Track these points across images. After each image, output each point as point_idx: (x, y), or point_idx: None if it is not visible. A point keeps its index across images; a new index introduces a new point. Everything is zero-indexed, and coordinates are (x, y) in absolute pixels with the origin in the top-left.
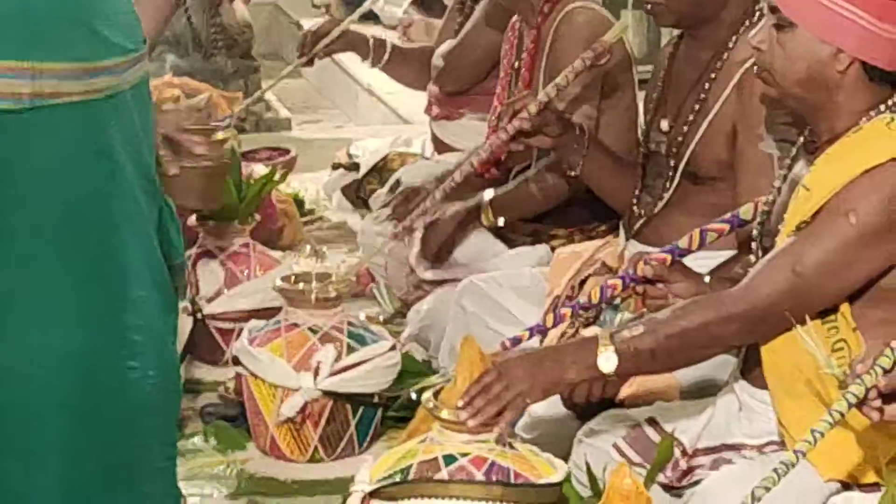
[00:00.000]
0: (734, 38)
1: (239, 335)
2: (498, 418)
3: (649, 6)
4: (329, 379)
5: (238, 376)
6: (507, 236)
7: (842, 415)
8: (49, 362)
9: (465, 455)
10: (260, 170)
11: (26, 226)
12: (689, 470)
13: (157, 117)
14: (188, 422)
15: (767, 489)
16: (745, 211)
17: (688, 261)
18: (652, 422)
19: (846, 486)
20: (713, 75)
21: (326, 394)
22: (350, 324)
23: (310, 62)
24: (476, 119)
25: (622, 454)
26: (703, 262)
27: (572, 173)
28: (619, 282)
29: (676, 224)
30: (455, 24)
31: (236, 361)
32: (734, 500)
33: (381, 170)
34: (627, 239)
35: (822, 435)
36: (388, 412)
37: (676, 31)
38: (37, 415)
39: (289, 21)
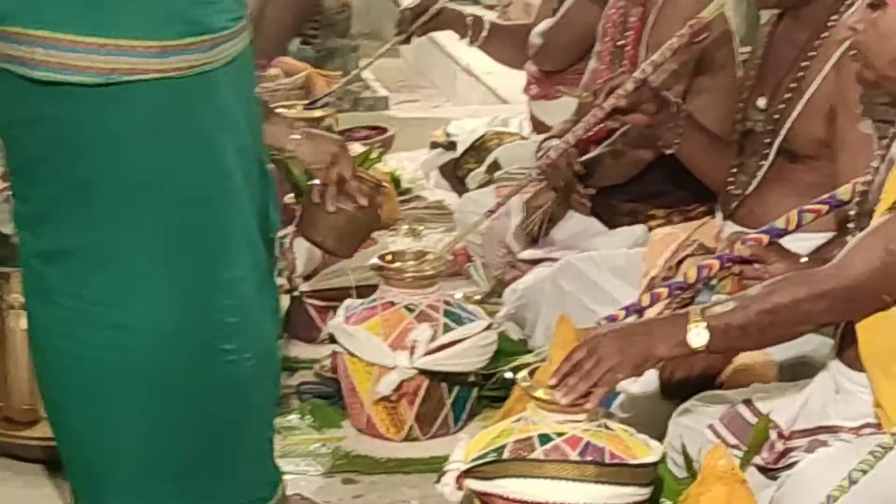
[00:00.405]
0: (833, 17)
1: (335, 313)
2: (589, 395)
3: None
4: (424, 357)
5: (334, 354)
6: (605, 216)
7: None
8: (140, 333)
9: (559, 435)
10: (357, 148)
11: (109, 199)
12: (785, 452)
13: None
14: (284, 400)
15: (864, 472)
16: (843, 192)
17: (785, 242)
18: (748, 403)
19: None
20: (811, 54)
21: (422, 372)
22: (446, 302)
23: (407, 40)
24: (574, 98)
25: (717, 435)
26: (800, 243)
27: (668, 151)
28: (715, 262)
29: (772, 204)
30: (553, 3)
31: (332, 339)
32: (830, 483)
33: (479, 149)
34: (724, 220)
35: None
36: (483, 391)
37: (776, 11)
38: (123, 382)
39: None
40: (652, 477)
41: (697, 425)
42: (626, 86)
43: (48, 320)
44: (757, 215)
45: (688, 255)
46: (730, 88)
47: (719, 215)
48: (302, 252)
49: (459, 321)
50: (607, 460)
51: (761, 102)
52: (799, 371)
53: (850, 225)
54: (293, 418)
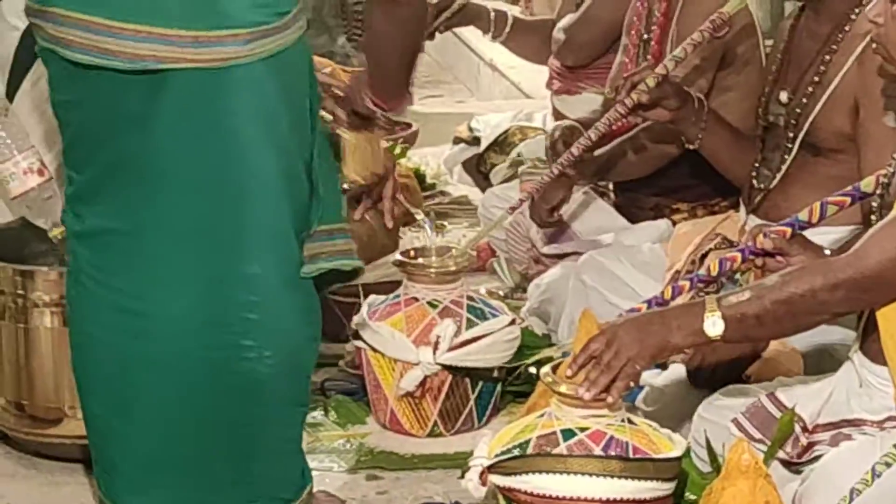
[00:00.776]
0: (856, 10)
1: (359, 309)
2: (611, 388)
3: None
4: (448, 353)
5: (358, 350)
6: (629, 210)
7: None
8: (158, 321)
9: (583, 430)
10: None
11: (135, 185)
12: (810, 446)
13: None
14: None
15: (888, 465)
16: (867, 184)
17: (809, 234)
18: (771, 396)
19: None
20: (834, 47)
21: (446, 368)
22: (470, 298)
23: (431, 35)
24: (597, 93)
25: (741, 429)
26: (824, 236)
27: (691, 146)
28: (738, 255)
29: (795, 198)
30: None
31: (356, 335)
32: (854, 477)
33: (503, 144)
34: (747, 214)
35: None
36: (507, 387)
37: (798, 4)
38: (138, 368)
39: None
40: (676, 471)
41: (721, 419)
42: (648, 81)
43: (76, 300)
44: (781, 209)
45: (711, 249)
46: (755, 84)
47: (743, 209)
48: None
49: (483, 317)
50: (631, 455)
51: (783, 96)
52: (823, 364)
53: (873, 217)
54: (317, 415)
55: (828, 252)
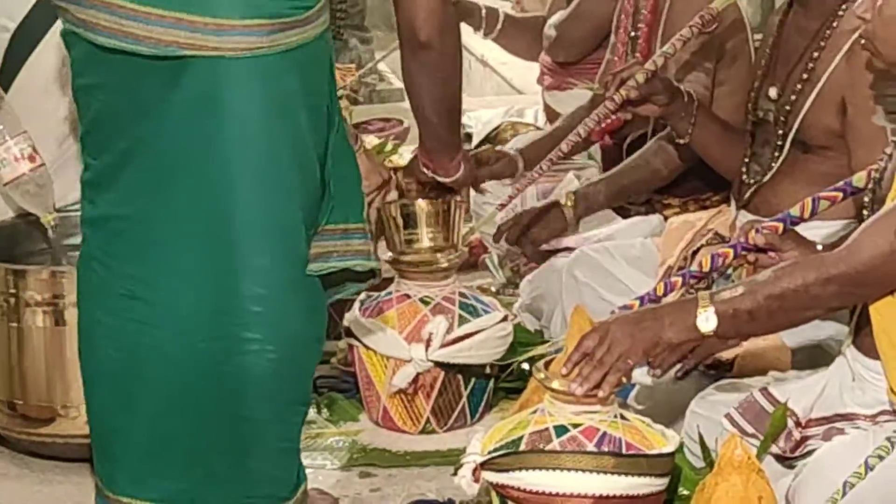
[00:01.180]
0: (843, 6)
1: (351, 306)
2: (603, 383)
3: None
4: (441, 350)
5: (350, 347)
6: (621, 206)
7: None
8: (163, 310)
9: (576, 426)
10: (373, 141)
11: (146, 171)
12: (802, 440)
13: None
14: None
15: (881, 458)
16: (858, 179)
17: (801, 230)
18: (764, 391)
19: None
20: (822, 43)
21: (438, 365)
22: (462, 294)
23: None
24: (588, 89)
25: (734, 424)
26: (816, 231)
27: (681, 141)
28: (730, 251)
29: (786, 193)
30: None
31: (348, 332)
32: (847, 471)
33: (494, 140)
34: (737, 209)
35: None
36: (499, 383)
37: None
38: (140, 355)
39: None
40: (669, 467)
41: (714, 414)
42: (637, 77)
43: (85, 286)
44: (771, 205)
45: (704, 245)
46: (745, 78)
47: (733, 205)
48: None
49: (475, 313)
50: (624, 451)
51: (772, 92)
52: (814, 358)
53: (865, 212)
54: (310, 412)
55: (820, 247)
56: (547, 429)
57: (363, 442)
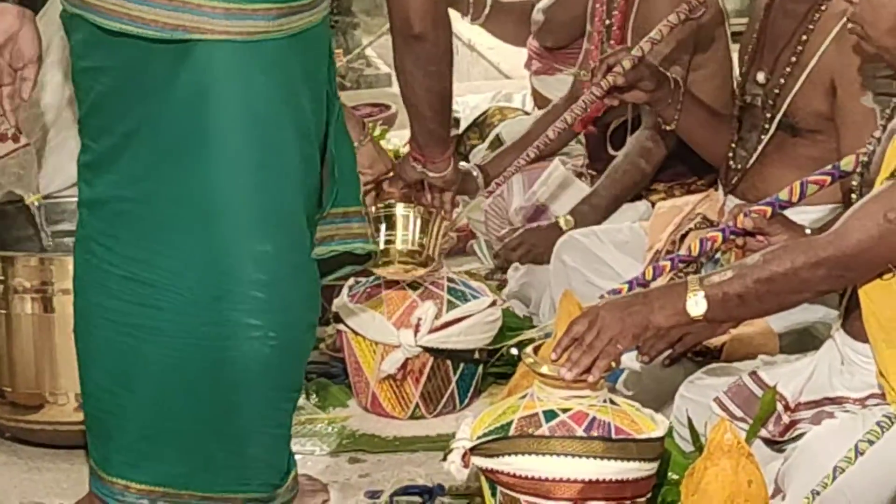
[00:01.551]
0: None
1: (340, 292)
2: (593, 367)
3: None
4: (429, 335)
5: (339, 333)
6: None
7: None
8: (166, 292)
9: (565, 411)
10: None
11: (150, 153)
12: (792, 424)
13: None
14: None
15: (871, 443)
16: (847, 162)
17: (790, 214)
18: (753, 375)
19: None
20: (811, 27)
21: (427, 350)
22: (450, 280)
23: None
24: (573, 74)
25: (723, 408)
26: (805, 215)
27: (668, 128)
28: (718, 234)
29: (773, 178)
30: None
31: (337, 318)
32: (837, 455)
33: (482, 125)
34: (725, 194)
35: None
36: (488, 368)
37: None
38: (141, 338)
39: None
40: (659, 451)
41: (703, 398)
42: (624, 63)
43: (83, 269)
44: (758, 189)
45: (692, 229)
46: (722, 61)
47: (721, 189)
48: None
49: (464, 298)
50: (613, 435)
51: (760, 77)
52: (803, 342)
53: (854, 196)
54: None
55: (808, 231)
56: (536, 414)
57: (352, 428)
